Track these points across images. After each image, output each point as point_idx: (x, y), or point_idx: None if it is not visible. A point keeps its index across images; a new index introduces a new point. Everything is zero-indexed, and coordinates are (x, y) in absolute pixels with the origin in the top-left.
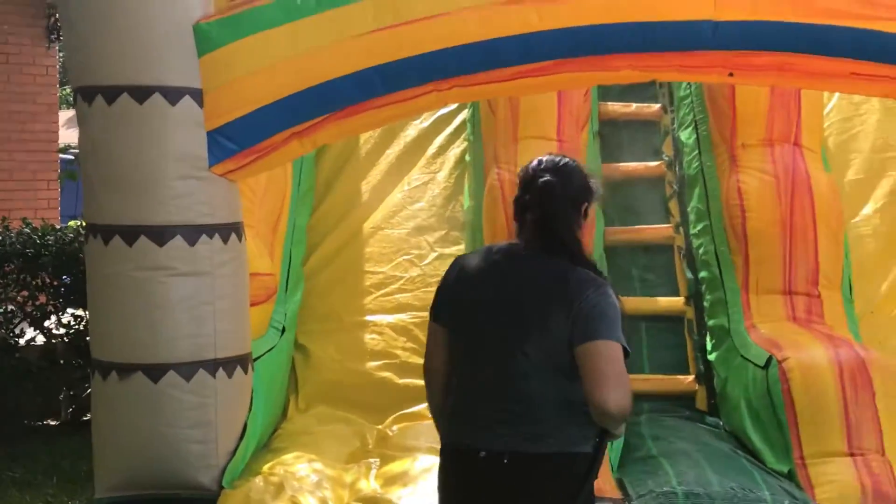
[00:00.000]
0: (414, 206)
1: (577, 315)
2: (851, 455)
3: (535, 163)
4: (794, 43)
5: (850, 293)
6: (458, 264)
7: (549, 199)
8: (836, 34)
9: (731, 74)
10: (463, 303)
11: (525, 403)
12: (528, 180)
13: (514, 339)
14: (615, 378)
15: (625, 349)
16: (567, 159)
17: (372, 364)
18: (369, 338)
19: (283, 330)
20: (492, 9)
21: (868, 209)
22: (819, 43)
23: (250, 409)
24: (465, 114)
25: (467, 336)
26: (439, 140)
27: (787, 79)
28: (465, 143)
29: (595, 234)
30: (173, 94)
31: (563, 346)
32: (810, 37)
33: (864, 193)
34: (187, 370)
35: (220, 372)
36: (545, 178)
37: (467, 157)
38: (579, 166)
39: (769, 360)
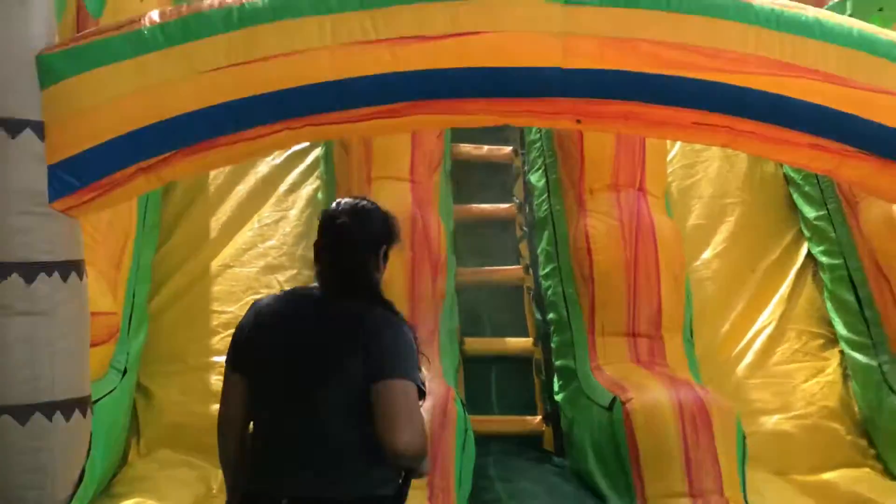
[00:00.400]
0: (265, 244)
1: (372, 355)
2: (692, 496)
3: (333, 205)
4: (640, 92)
5: (691, 335)
6: (254, 309)
7: (344, 242)
8: (680, 85)
9: (579, 121)
10: (259, 349)
11: (325, 448)
12: (326, 223)
13: (312, 382)
14: (407, 417)
15: (420, 389)
16: (366, 202)
17: (217, 407)
18: (215, 379)
19: (125, 371)
20: (345, 49)
21: (708, 253)
22: (664, 93)
23: (88, 454)
24: (318, 151)
25: (265, 382)
26: (292, 177)
27: (633, 127)
28: (319, 181)
29: (447, 274)
30: (13, 127)
31: (361, 387)
32: (655, 87)
33: (704, 238)
34: (22, 413)
35: (58, 415)
36: (340, 221)
37: (320, 196)
38: (379, 209)
39: (613, 401)
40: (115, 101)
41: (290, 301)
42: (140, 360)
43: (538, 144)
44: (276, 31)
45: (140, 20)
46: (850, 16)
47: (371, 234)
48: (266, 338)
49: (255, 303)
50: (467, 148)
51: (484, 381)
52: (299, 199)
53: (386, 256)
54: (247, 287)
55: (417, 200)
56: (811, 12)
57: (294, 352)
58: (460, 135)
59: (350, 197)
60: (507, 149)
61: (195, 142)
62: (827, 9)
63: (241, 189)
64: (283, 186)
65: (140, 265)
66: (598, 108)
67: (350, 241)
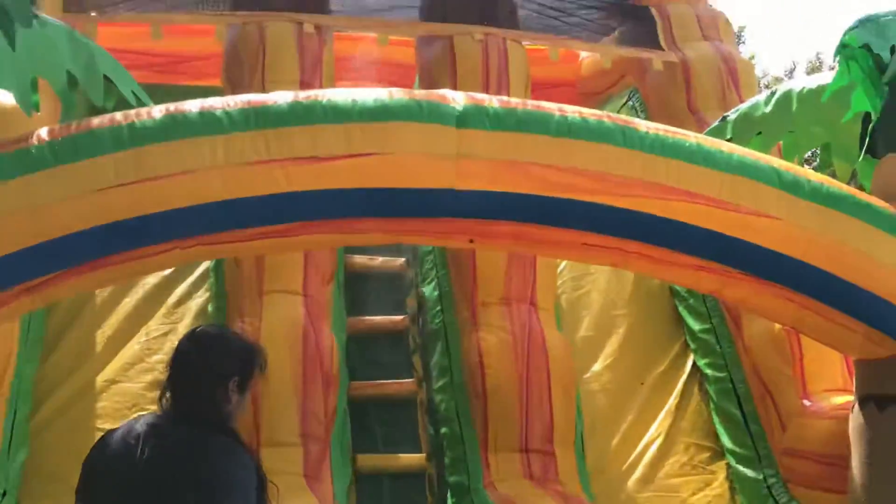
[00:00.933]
0: (152, 358)
1: (208, 486)
2: None
3: (188, 332)
4: (530, 214)
5: (583, 449)
6: (102, 439)
7: (185, 371)
8: (568, 207)
9: (471, 241)
10: (101, 479)
11: None
12: (175, 351)
13: None
14: None
15: None
16: (221, 331)
17: None
18: None
19: (4, 493)
20: (238, 169)
21: (598, 366)
22: (553, 214)
23: None
24: (209, 262)
25: None
26: (181, 289)
27: (524, 246)
28: (209, 294)
29: (339, 389)
30: None
31: None
32: (545, 208)
33: (594, 350)
34: None
35: None
36: (186, 351)
37: (210, 308)
38: (236, 340)
39: None
40: (1, 220)
41: (135, 429)
42: (21, 481)
43: (431, 256)
44: (167, 151)
45: (28, 138)
46: (730, 139)
47: (217, 367)
48: (107, 468)
49: (107, 432)
50: (361, 259)
51: (377, 499)
52: (188, 311)
53: (241, 388)
54: (133, 403)
55: (310, 314)
56: (693, 138)
57: (132, 482)
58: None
59: (211, 326)
60: (401, 260)
61: (82, 262)
62: (707, 132)
63: (129, 301)
64: (172, 298)
65: (22, 382)
66: (490, 229)
67: (189, 369)
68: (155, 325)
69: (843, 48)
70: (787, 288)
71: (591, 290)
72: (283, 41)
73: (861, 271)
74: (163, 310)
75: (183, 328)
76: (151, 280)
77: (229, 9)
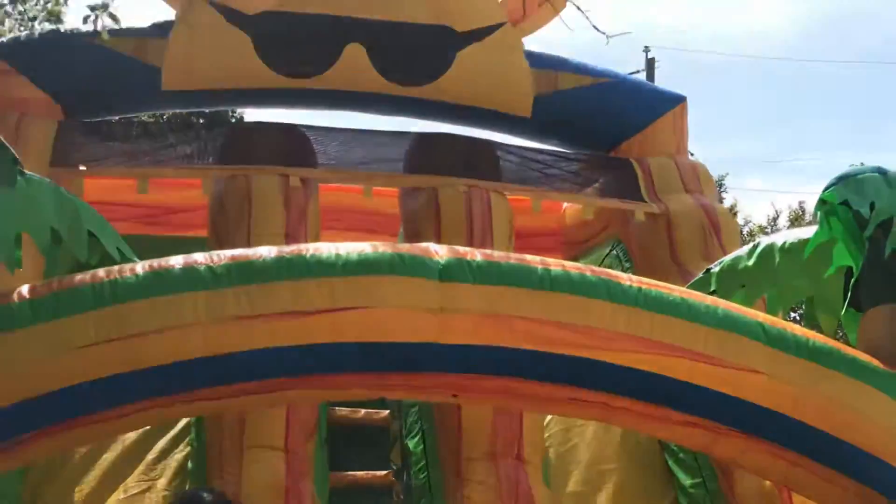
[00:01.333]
0: None
1: None
2: None
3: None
4: (515, 368)
5: None
6: None
7: None
8: (553, 361)
9: (454, 395)
10: None
11: None
12: None
13: None
14: None
15: None
16: (201, 496)
17: None
18: None
19: None
20: (220, 325)
21: None
22: (537, 368)
23: None
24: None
25: None
26: (161, 444)
27: (509, 401)
28: (189, 448)
29: None
30: None
31: None
32: (530, 363)
33: None
34: None
35: None
36: None
37: (190, 465)
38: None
39: None
40: None
41: None
42: None
43: (416, 409)
44: (149, 308)
45: (10, 295)
46: (714, 292)
47: None
48: None
49: None
50: (344, 412)
51: None
52: (168, 467)
53: None
54: None
55: (291, 471)
56: (677, 292)
57: None
58: None
59: (187, 492)
60: (385, 412)
61: (58, 421)
62: (691, 285)
63: (108, 457)
64: (152, 454)
65: None
66: (474, 383)
67: None
68: (133, 482)
69: (822, 204)
70: (777, 444)
71: (578, 442)
72: (270, 194)
73: (850, 427)
74: (142, 466)
75: (162, 485)
76: (131, 434)
77: (216, 162)
